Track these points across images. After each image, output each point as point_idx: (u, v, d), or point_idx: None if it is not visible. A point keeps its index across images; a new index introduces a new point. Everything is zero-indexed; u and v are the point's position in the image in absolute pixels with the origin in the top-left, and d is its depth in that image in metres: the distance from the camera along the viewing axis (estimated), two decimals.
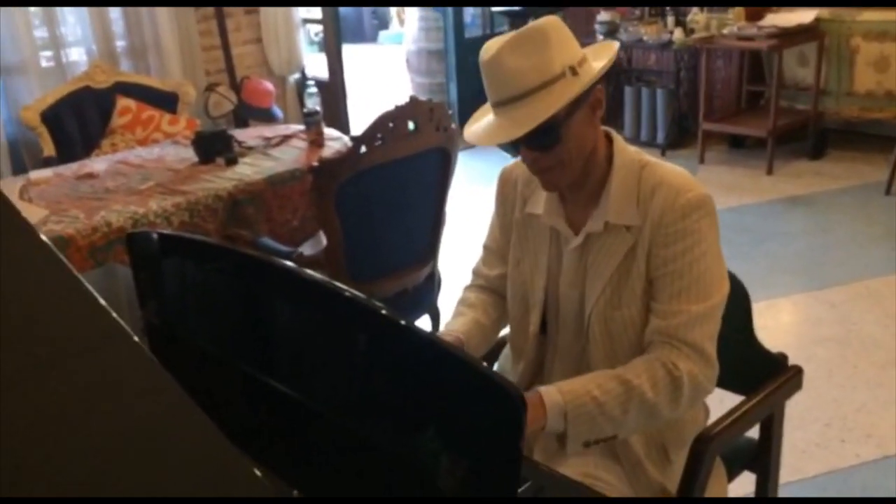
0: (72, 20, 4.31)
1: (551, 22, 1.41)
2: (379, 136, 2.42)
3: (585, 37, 6.00)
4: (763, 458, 1.80)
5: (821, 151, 5.33)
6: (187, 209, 2.78)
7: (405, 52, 7.10)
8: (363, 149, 2.41)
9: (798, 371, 1.75)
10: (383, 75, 9.48)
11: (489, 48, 1.40)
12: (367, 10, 12.64)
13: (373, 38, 12.34)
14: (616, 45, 1.52)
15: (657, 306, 1.44)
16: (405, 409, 0.98)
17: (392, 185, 2.57)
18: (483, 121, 1.47)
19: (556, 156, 1.43)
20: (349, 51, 11.56)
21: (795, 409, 2.74)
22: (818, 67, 5.14)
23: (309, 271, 1.09)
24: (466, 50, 6.33)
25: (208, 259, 1.28)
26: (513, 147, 1.46)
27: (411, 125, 2.49)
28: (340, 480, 1.12)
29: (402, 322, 0.95)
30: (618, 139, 1.53)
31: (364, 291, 2.75)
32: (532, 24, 1.40)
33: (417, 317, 2.94)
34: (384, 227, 2.64)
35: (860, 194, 4.67)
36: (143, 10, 4.37)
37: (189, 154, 3.27)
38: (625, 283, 1.47)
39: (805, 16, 5.06)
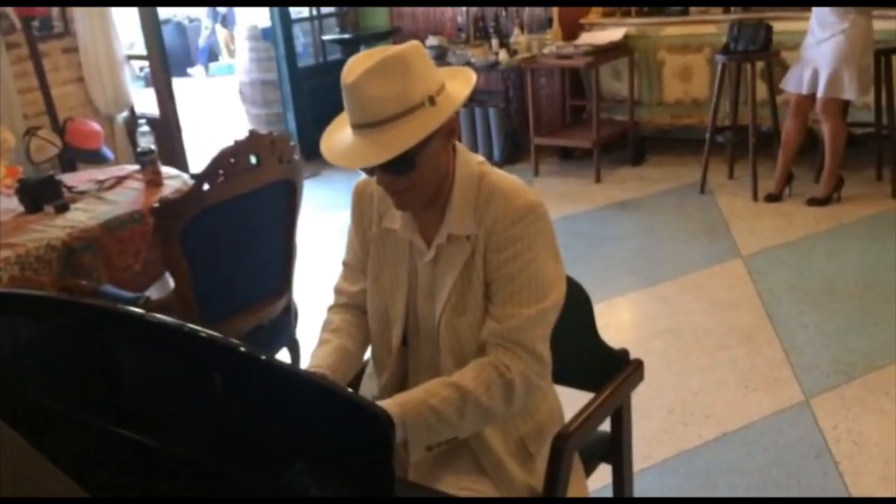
0: None
1: (413, 49, 1.46)
2: (221, 172, 2.39)
3: None
4: (616, 448, 1.93)
5: (641, 158, 5.75)
6: (17, 263, 2.62)
7: (238, 83, 7.00)
8: (206, 186, 2.37)
9: (639, 364, 1.90)
10: (216, 108, 9.26)
11: (351, 70, 1.43)
12: (193, 43, 12.32)
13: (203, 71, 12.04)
14: (473, 74, 1.58)
15: (492, 309, 1.53)
16: (273, 443, 0.99)
17: (238, 220, 2.54)
18: (340, 139, 1.49)
19: (409, 180, 1.48)
20: (178, 84, 11.25)
21: (640, 399, 2.93)
22: (631, 81, 5.55)
23: (155, 315, 1.08)
24: (301, 79, 6.33)
25: (43, 313, 1.24)
26: (368, 169, 1.50)
27: (253, 159, 2.48)
28: None
29: (262, 357, 0.96)
30: (461, 151, 1.58)
31: (218, 330, 2.68)
32: (394, 50, 1.44)
33: (276, 350, 2.91)
34: (234, 263, 2.61)
35: (678, 195, 5.08)
36: None
37: (14, 204, 3.08)
38: (468, 290, 1.55)
39: (615, 34, 5.46)
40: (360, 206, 1.69)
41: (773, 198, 4.75)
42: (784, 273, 3.88)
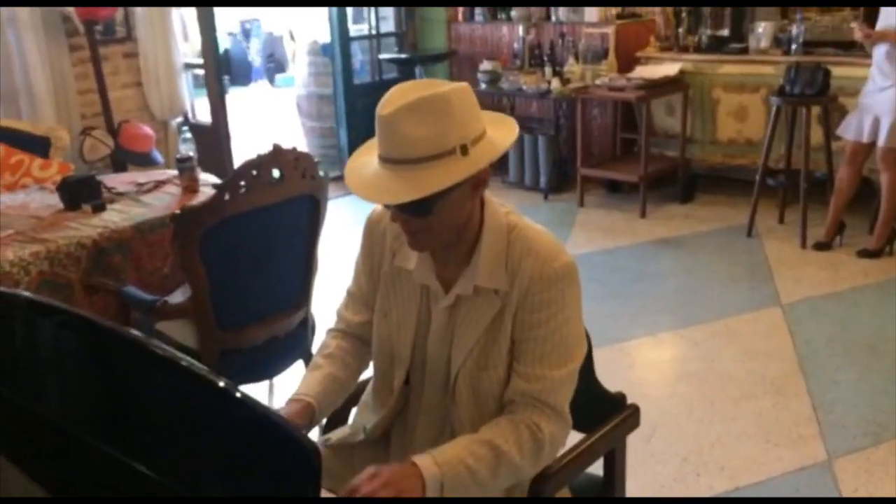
0: None
1: (459, 91, 1.39)
2: (242, 183, 2.43)
3: (471, 84, 6.19)
4: (608, 493, 1.88)
5: (690, 195, 5.64)
6: (47, 258, 2.70)
7: (296, 96, 7.13)
8: (227, 196, 2.41)
9: (635, 410, 1.84)
10: (276, 118, 9.46)
11: (389, 102, 1.37)
12: (264, 53, 12.63)
13: (269, 81, 12.31)
14: (516, 126, 1.50)
15: (521, 368, 1.50)
16: (203, 458, 0.99)
17: (258, 232, 2.57)
18: (365, 165, 1.44)
19: (425, 223, 1.43)
20: (243, 93, 11.55)
21: (658, 444, 2.88)
22: (684, 117, 5.47)
23: (111, 324, 1.08)
24: (355, 96, 6.41)
25: (31, 316, 1.26)
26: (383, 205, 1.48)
27: (276, 173, 2.51)
28: None
29: (207, 376, 0.96)
30: (489, 202, 1.53)
31: (233, 339, 2.70)
32: (438, 90, 1.37)
33: (291, 362, 2.92)
34: (252, 274, 2.63)
35: (724, 236, 4.96)
36: (14, 54, 4.25)
37: (55, 201, 3.18)
38: (492, 345, 1.51)
39: (670, 69, 5.39)
40: (372, 241, 1.65)
41: (822, 246, 4.59)
42: (824, 325, 3.74)
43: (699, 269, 4.47)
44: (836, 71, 4.65)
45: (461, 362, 1.52)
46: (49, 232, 2.87)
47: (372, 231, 1.65)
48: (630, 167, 5.54)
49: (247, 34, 12.56)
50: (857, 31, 4.33)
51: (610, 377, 1.92)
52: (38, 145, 4.10)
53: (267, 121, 9.48)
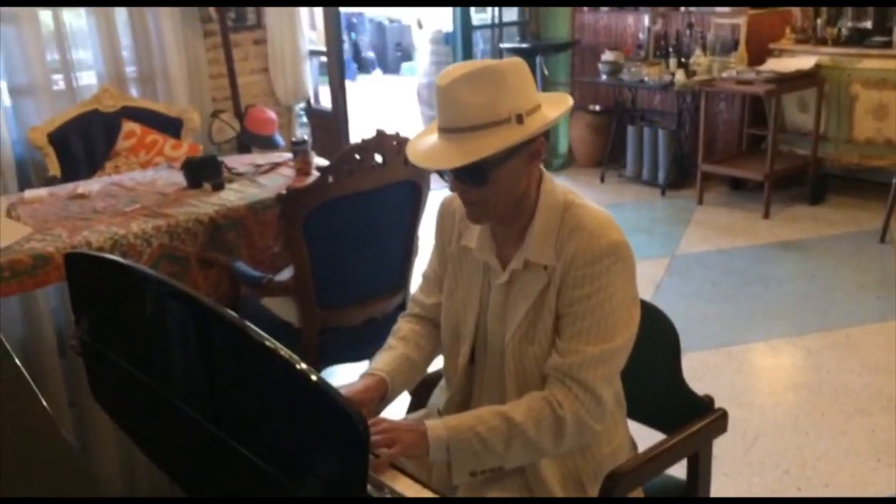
0: (83, 45, 4.48)
1: (512, 64, 1.45)
2: (346, 167, 2.49)
3: (592, 75, 6.09)
4: (690, 497, 1.82)
5: (820, 197, 5.33)
6: (167, 232, 2.87)
7: (417, 84, 7.24)
8: (330, 179, 2.49)
9: (723, 414, 1.77)
10: (398, 106, 9.64)
11: (447, 74, 1.44)
12: (391, 42, 12.88)
13: (395, 70, 12.54)
14: (570, 100, 1.55)
15: (559, 343, 1.49)
16: (271, 428, 1.04)
17: (361, 215, 2.64)
18: (426, 141, 1.51)
19: (481, 193, 1.48)
20: (369, 81, 11.82)
21: (758, 454, 2.76)
22: (818, 113, 5.17)
23: (204, 299, 1.16)
24: None
25: (133, 283, 1.36)
26: (443, 174, 1.52)
27: (379, 158, 2.56)
28: (226, 488, 1.19)
29: (282, 352, 1.00)
30: (547, 179, 1.56)
31: (333, 318, 2.79)
32: (494, 63, 1.44)
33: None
34: (353, 256, 2.71)
35: (855, 241, 4.67)
36: (153, 37, 4.52)
37: (180, 179, 3.38)
38: (538, 320, 1.52)
39: (805, 62, 5.10)
40: (443, 222, 1.71)
41: None
42: None
43: (823, 275, 4.23)
44: None
45: (510, 337, 1.54)
46: (171, 207, 3.05)
47: (444, 214, 1.71)
48: (755, 165, 5.29)
49: (351, 27, 12.87)
50: None
51: (713, 381, 1.87)
52: (172, 126, 4.36)
53: (389, 108, 9.67)
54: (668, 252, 4.59)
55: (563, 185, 1.58)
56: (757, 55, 5.41)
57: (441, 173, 1.53)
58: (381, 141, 2.53)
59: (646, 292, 3.96)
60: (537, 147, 1.48)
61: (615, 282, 1.47)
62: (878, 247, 4.55)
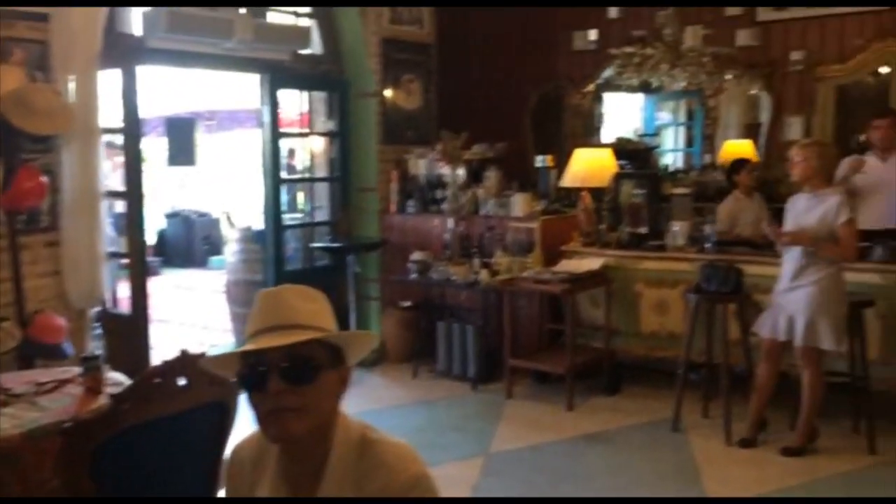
0: None
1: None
2: (144, 392, 2.31)
3: (402, 273, 6.27)
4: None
5: (617, 387, 5.65)
6: None
7: (225, 280, 7.09)
8: (125, 406, 2.28)
9: None
10: (203, 302, 9.35)
11: (270, 289, 1.59)
12: (199, 235, 12.69)
13: (202, 263, 12.28)
14: (375, 338, 1.69)
15: None
16: None
17: (160, 444, 2.42)
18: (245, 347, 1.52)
19: (303, 397, 1.46)
20: (175, 275, 11.47)
21: None
22: (608, 309, 5.59)
23: None
24: (286, 283, 6.38)
25: None
26: (256, 380, 1.46)
27: (183, 380, 2.40)
28: None
29: None
30: (343, 415, 1.57)
31: None
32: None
33: None
34: (149, 488, 2.45)
35: (651, 431, 4.92)
36: None
37: None
38: None
39: (593, 263, 5.57)
40: (232, 472, 1.66)
41: (746, 443, 4.59)
42: None
43: (626, 469, 4.38)
44: (749, 269, 4.86)
45: None
46: None
47: (234, 463, 1.66)
48: (558, 358, 5.56)
49: (178, 216, 12.77)
50: (769, 231, 4.51)
51: None
52: None
53: (196, 305, 9.36)
54: (482, 450, 4.60)
55: (358, 420, 1.59)
56: (551, 256, 5.85)
57: (246, 381, 1.49)
58: (185, 362, 2.38)
59: (463, 496, 3.91)
60: (344, 375, 1.55)
61: None
62: (671, 436, 4.82)
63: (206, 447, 2.58)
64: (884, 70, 5.91)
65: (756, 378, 4.62)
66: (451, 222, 6.30)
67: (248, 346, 1.48)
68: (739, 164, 5.84)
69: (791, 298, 4.38)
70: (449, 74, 7.28)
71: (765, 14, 6.21)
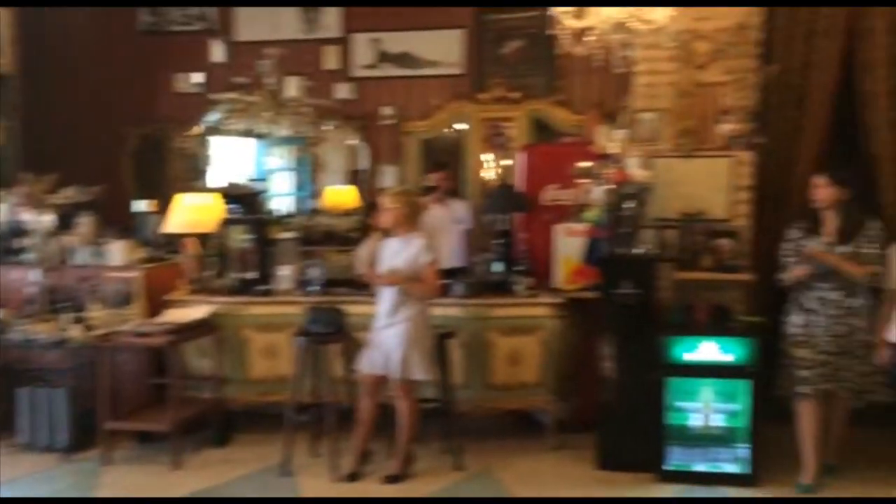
0: None
1: None
2: None
3: None
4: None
5: (227, 437, 5.50)
6: None
7: None
8: None
9: None
10: None
11: None
12: None
13: None
14: None
15: None
16: None
17: None
18: None
19: None
20: None
21: None
22: (217, 358, 5.43)
23: None
24: None
25: None
26: None
27: None
28: None
29: None
30: None
31: None
32: None
33: None
34: None
35: (261, 479, 4.85)
36: None
37: None
38: None
39: (200, 312, 5.39)
40: None
41: (352, 477, 4.76)
42: None
43: None
44: (353, 308, 5.09)
45: None
46: None
47: None
48: (163, 415, 5.23)
49: None
50: (366, 273, 4.80)
51: None
52: None
53: None
54: None
55: None
56: (157, 306, 5.54)
57: None
58: None
59: None
60: None
61: None
62: (280, 481, 4.80)
63: None
64: (459, 126, 6.70)
65: (358, 412, 4.83)
66: (36, 274, 5.64)
67: None
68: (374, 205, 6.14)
69: (387, 335, 4.69)
70: (34, 110, 6.59)
71: (360, 71, 6.67)
